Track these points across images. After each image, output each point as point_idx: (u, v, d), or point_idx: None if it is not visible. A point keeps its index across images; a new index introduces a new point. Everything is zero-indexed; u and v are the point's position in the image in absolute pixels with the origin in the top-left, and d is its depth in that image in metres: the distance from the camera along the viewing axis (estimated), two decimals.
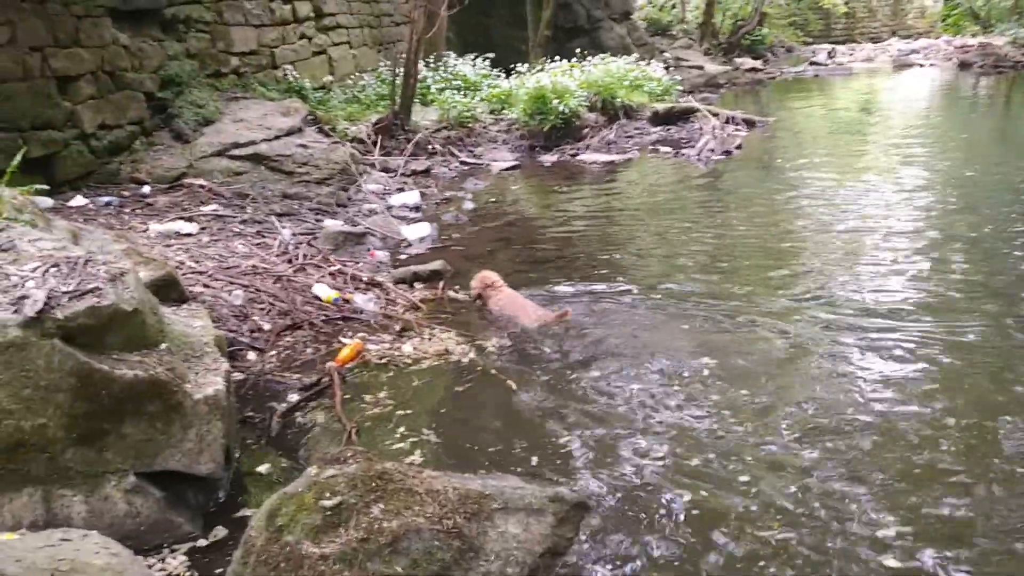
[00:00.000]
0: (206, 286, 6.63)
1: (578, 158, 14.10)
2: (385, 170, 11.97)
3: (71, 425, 3.56)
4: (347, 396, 5.24)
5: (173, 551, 3.73)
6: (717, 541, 3.71)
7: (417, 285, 7.40)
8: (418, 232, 9.11)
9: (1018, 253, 7.59)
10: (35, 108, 8.66)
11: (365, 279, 7.34)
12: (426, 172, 12.55)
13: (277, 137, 10.72)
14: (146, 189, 9.52)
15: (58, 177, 8.93)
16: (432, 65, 16.63)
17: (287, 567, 3.07)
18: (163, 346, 4.06)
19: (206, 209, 9.01)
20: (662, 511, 3.95)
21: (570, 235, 9.09)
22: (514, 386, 5.30)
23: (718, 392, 5.12)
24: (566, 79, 15.33)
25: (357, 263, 7.85)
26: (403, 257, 8.45)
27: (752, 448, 4.46)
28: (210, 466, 3.91)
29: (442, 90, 15.91)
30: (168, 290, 5.01)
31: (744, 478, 4.19)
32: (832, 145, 15.01)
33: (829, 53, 36.98)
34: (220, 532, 3.87)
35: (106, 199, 8.90)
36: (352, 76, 16.28)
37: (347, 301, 6.78)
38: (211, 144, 10.46)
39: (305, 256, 7.75)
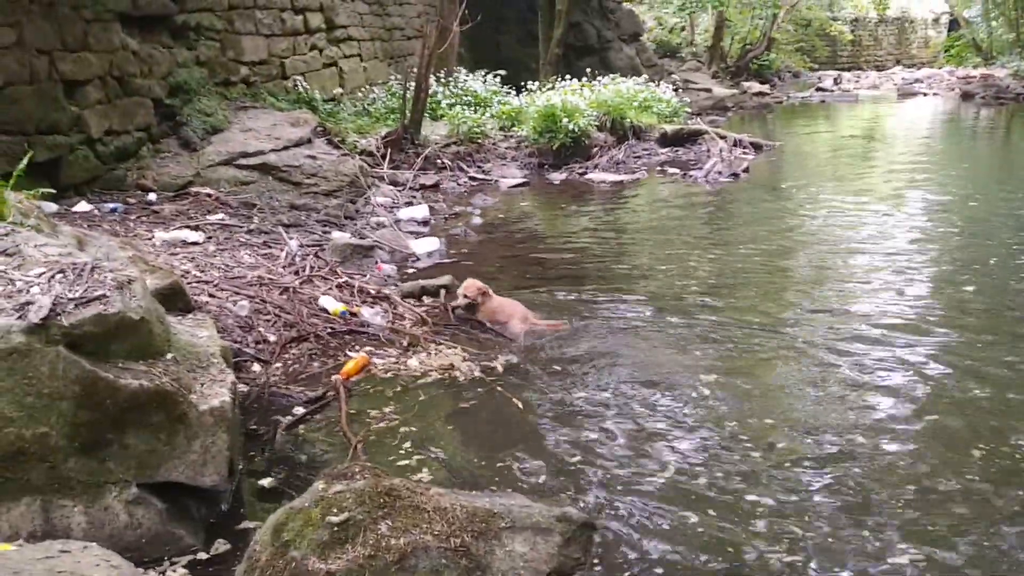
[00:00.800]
0: (211, 296, 6.56)
1: (586, 177, 14.09)
2: (394, 184, 11.93)
3: (73, 434, 3.48)
4: (352, 410, 5.17)
5: (174, 564, 3.65)
6: (724, 562, 3.68)
7: (426, 299, 7.33)
8: (426, 246, 9.05)
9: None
10: (41, 112, 8.60)
11: (372, 292, 7.28)
12: (435, 187, 12.52)
13: (286, 148, 10.69)
14: (152, 196, 9.48)
15: (63, 182, 8.87)
16: (443, 80, 16.63)
17: None
18: (169, 356, 3.99)
19: (212, 218, 8.96)
20: (669, 532, 3.91)
21: (578, 253, 9.04)
22: (520, 404, 5.26)
23: (725, 411, 5.12)
24: (576, 98, 15.35)
25: (364, 276, 7.78)
26: (411, 271, 8.39)
27: (760, 468, 4.45)
28: (214, 478, 3.83)
29: (452, 105, 15.90)
30: (174, 299, 4.95)
31: (752, 498, 4.17)
32: (837, 170, 15.02)
33: (835, 80, 37.26)
34: (222, 546, 3.79)
35: (111, 205, 8.85)
36: (362, 89, 16.29)
37: (354, 314, 6.71)
38: (219, 153, 10.42)
39: (312, 268, 7.69)
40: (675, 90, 20.01)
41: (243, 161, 10.35)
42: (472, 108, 16.00)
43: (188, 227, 8.42)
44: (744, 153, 15.54)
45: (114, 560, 3.19)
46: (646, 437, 4.82)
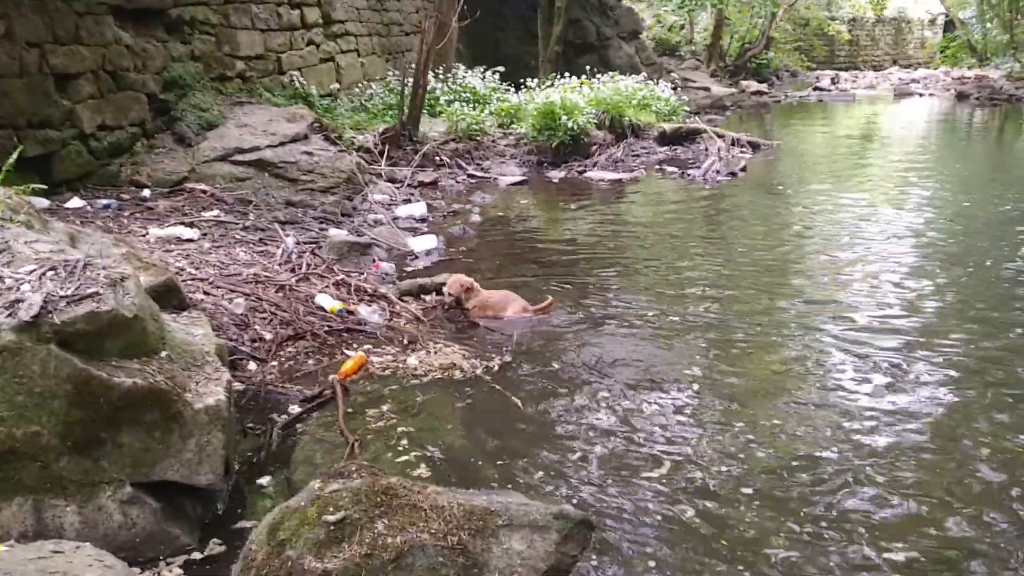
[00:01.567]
0: (207, 293, 6.51)
1: (585, 175, 14.06)
2: (391, 180, 11.88)
3: (66, 433, 3.44)
4: (350, 409, 5.13)
5: (169, 564, 3.61)
6: (721, 560, 3.69)
7: (424, 298, 7.29)
8: (424, 244, 9.00)
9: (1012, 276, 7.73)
10: (32, 106, 8.52)
11: (370, 290, 7.22)
12: (433, 184, 12.47)
13: (282, 144, 10.63)
14: (146, 192, 9.41)
15: (56, 177, 8.81)
16: (441, 76, 16.60)
17: None
18: (163, 354, 3.93)
19: (207, 215, 8.90)
20: (666, 529, 3.93)
21: (577, 251, 9.01)
22: (519, 402, 5.23)
23: (722, 409, 5.15)
24: (575, 96, 15.32)
25: (362, 274, 7.72)
26: (409, 269, 8.35)
27: (758, 465, 4.46)
28: (209, 477, 3.78)
29: (451, 102, 15.87)
30: (168, 297, 4.89)
31: (750, 494, 4.19)
32: (834, 169, 15.01)
33: (832, 79, 37.35)
34: (217, 545, 3.75)
35: (104, 202, 8.78)
36: (360, 84, 16.25)
37: (351, 312, 6.66)
38: (214, 148, 10.35)
39: (308, 265, 7.63)
40: (674, 88, 20.00)
41: (239, 157, 10.28)
42: (471, 105, 15.98)
43: (183, 224, 8.35)
44: (742, 152, 15.55)
45: (107, 560, 3.15)
46: (644, 434, 4.83)
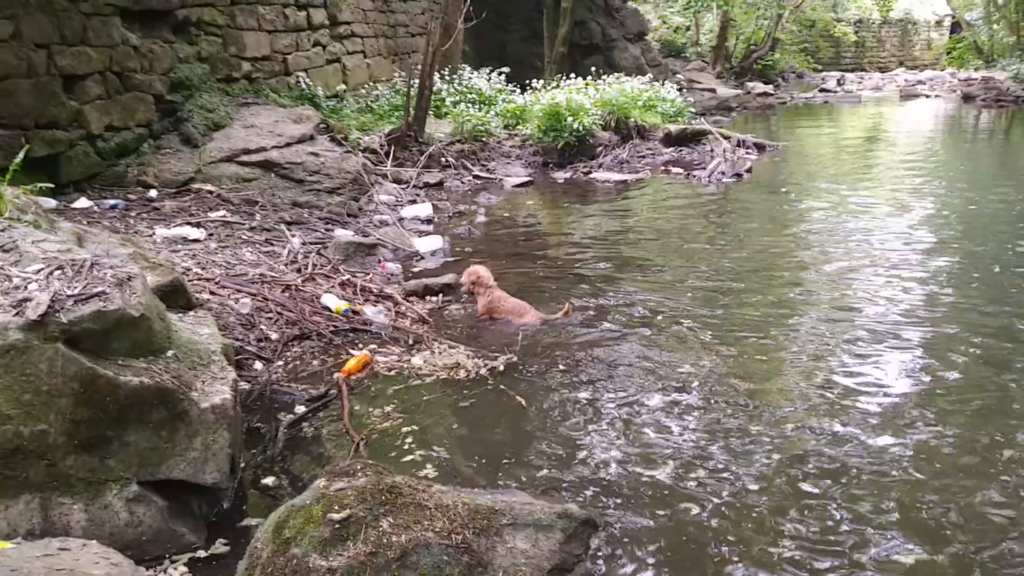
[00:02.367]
0: (213, 293, 6.53)
1: (591, 176, 14.06)
2: (397, 181, 11.90)
3: (73, 431, 3.45)
4: (355, 408, 5.15)
5: (175, 562, 3.62)
6: (726, 559, 3.69)
7: (429, 298, 7.30)
8: (430, 245, 9.01)
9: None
10: (40, 106, 8.55)
11: (375, 291, 7.24)
12: (439, 185, 12.48)
13: (288, 144, 10.64)
14: (153, 193, 9.43)
15: (62, 178, 8.84)
16: (447, 78, 16.62)
17: None
18: (170, 353, 3.95)
19: (214, 215, 8.92)
20: (671, 529, 3.93)
21: (582, 252, 9.00)
22: (523, 402, 5.24)
23: (727, 409, 5.14)
24: (581, 97, 15.31)
25: (367, 274, 7.75)
26: (415, 270, 8.37)
27: (762, 465, 4.46)
28: (215, 476, 3.79)
29: (456, 103, 15.88)
30: (175, 296, 4.90)
31: (754, 495, 4.19)
32: (840, 171, 15.00)
33: (838, 80, 37.29)
34: (223, 543, 3.77)
35: (111, 202, 8.80)
36: (366, 86, 16.27)
37: (357, 312, 6.67)
38: (220, 149, 10.37)
39: (314, 266, 7.65)
40: (679, 90, 19.98)
41: (245, 158, 10.30)
42: (476, 106, 15.99)
43: (189, 224, 8.38)
44: (747, 153, 15.52)
45: (114, 558, 3.16)
46: (648, 435, 4.84)
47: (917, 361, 5.84)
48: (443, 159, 13.59)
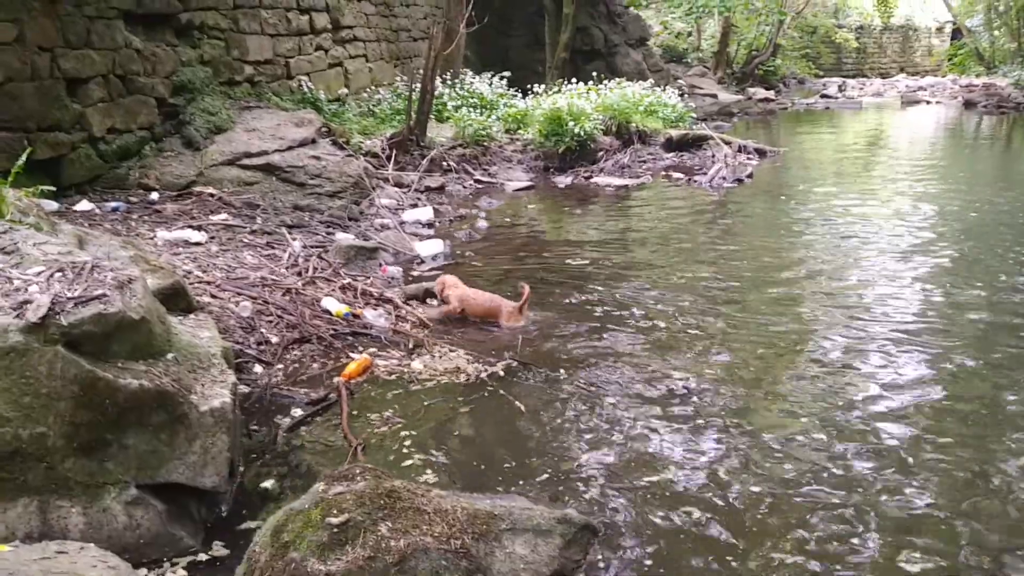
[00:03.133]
0: (213, 296, 6.53)
1: (592, 181, 14.06)
2: (399, 185, 11.90)
3: (72, 434, 3.44)
4: (354, 412, 5.15)
5: (173, 565, 3.61)
6: (727, 566, 3.69)
7: (430, 301, 7.31)
8: (431, 249, 9.01)
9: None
10: (43, 109, 8.56)
11: (376, 294, 7.24)
12: (440, 189, 12.48)
13: (290, 148, 10.65)
14: (154, 196, 9.44)
15: (64, 180, 8.84)
16: (449, 82, 16.63)
17: None
18: (170, 356, 3.95)
19: (215, 218, 8.93)
20: (671, 534, 3.92)
21: (583, 257, 9.00)
22: (522, 406, 5.24)
23: (729, 414, 5.14)
24: (582, 102, 15.32)
25: (368, 278, 7.75)
26: (415, 274, 8.36)
27: (763, 469, 4.46)
28: (214, 479, 3.79)
29: (458, 107, 15.89)
30: (175, 299, 4.90)
31: (755, 499, 4.19)
32: (841, 177, 15.03)
33: (840, 86, 37.37)
34: (221, 547, 3.76)
35: (113, 204, 8.81)
36: (368, 90, 16.28)
37: (357, 316, 6.67)
38: (222, 152, 10.39)
39: (315, 269, 7.66)
40: (681, 95, 19.98)
41: (247, 161, 10.31)
42: (478, 111, 16.00)
43: (191, 227, 8.39)
44: (748, 159, 15.54)
45: (111, 561, 3.16)
46: (648, 439, 4.83)
47: (920, 366, 5.84)
48: (444, 163, 13.59)
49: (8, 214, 4.33)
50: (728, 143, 16.19)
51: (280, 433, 4.84)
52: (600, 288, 7.77)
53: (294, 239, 8.56)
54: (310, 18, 14.34)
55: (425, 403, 5.33)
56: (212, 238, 8.24)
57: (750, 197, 12.76)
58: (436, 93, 14.74)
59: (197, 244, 7.94)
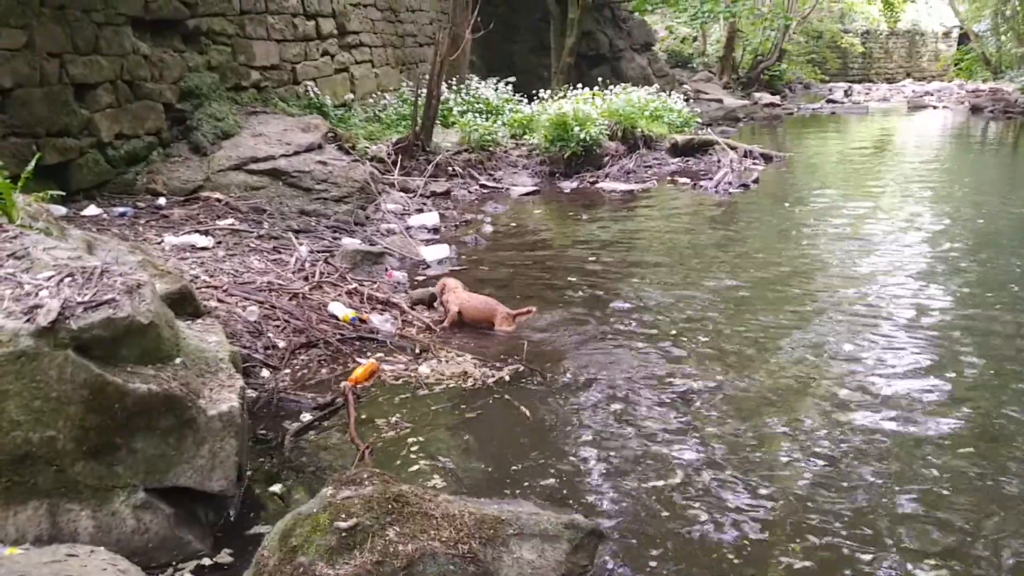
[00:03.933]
0: (220, 301, 6.55)
1: (597, 186, 14.08)
2: (404, 190, 11.92)
3: (81, 438, 3.46)
4: (362, 416, 5.16)
5: (181, 569, 3.63)
6: (734, 569, 3.69)
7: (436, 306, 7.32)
8: (437, 253, 9.03)
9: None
10: (51, 115, 8.59)
11: (382, 299, 7.26)
12: (446, 194, 12.49)
13: (296, 153, 10.68)
14: (162, 201, 9.47)
15: (72, 185, 8.87)
16: (455, 88, 16.66)
17: None
18: (178, 360, 3.96)
19: (222, 223, 8.95)
20: (679, 540, 3.92)
21: (589, 262, 9.00)
22: (528, 412, 5.24)
23: (734, 420, 5.14)
24: (588, 107, 15.34)
25: (374, 283, 7.76)
26: (421, 278, 8.37)
27: (772, 477, 4.45)
28: (222, 483, 3.80)
29: (464, 113, 15.92)
30: (183, 304, 4.92)
31: (763, 506, 4.17)
32: (847, 182, 15.02)
33: (846, 91, 37.36)
34: (229, 551, 3.77)
35: (120, 209, 8.84)
36: (374, 95, 16.32)
37: (364, 321, 6.69)
38: (229, 158, 10.41)
39: (322, 274, 7.68)
40: (686, 100, 20.03)
41: (253, 166, 10.34)
42: (484, 116, 16.03)
43: (198, 232, 8.41)
44: (754, 164, 15.55)
45: (121, 564, 3.17)
46: (654, 444, 4.83)
47: (929, 375, 5.82)
48: (450, 168, 13.61)
49: (18, 219, 4.35)
50: (734, 148, 16.20)
51: (288, 437, 4.84)
52: (606, 293, 7.78)
53: (301, 244, 8.59)
54: (316, 24, 14.38)
55: (432, 408, 5.34)
56: (219, 243, 8.26)
57: (756, 202, 12.75)
58: (442, 98, 14.77)
59: (204, 249, 7.96)
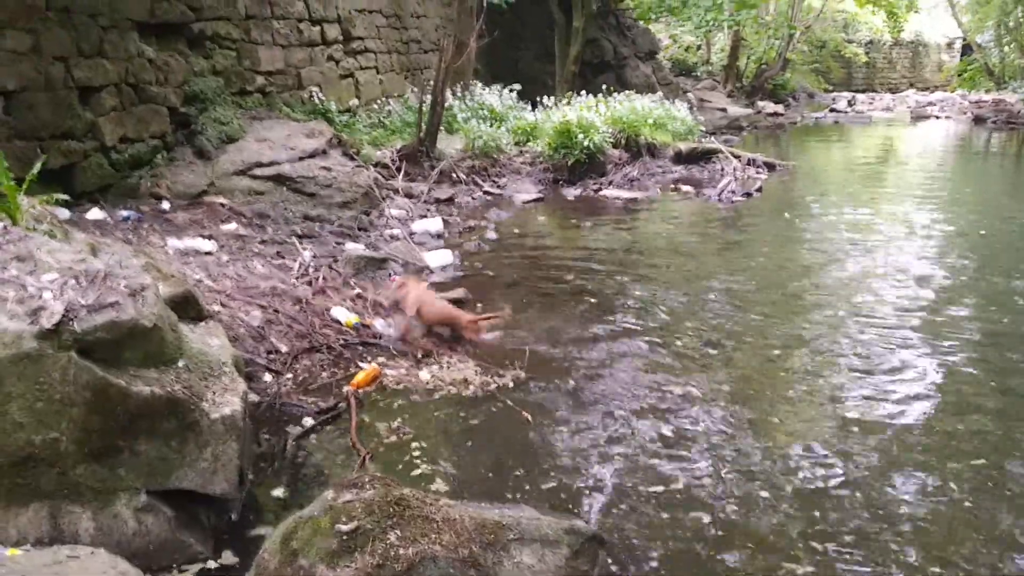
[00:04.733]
0: (223, 305, 6.56)
1: (601, 193, 14.08)
2: (408, 196, 11.93)
3: (84, 440, 3.47)
4: (366, 418, 5.19)
5: (183, 572, 3.64)
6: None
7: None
8: (440, 259, 9.04)
9: None
10: (56, 118, 8.59)
11: (385, 304, 7.26)
12: (449, 200, 12.51)
13: (301, 158, 10.68)
14: (165, 205, 9.47)
15: (76, 189, 8.86)
16: (459, 94, 16.69)
17: None
18: (181, 363, 3.98)
19: (226, 228, 8.96)
20: (680, 547, 3.93)
21: (592, 270, 9.00)
22: (529, 417, 5.26)
23: (735, 428, 5.15)
24: (592, 114, 15.35)
25: (377, 288, 7.77)
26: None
27: (774, 486, 4.45)
28: (224, 486, 3.81)
29: (468, 119, 15.94)
30: (186, 307, 4.93)
31: (765, 515, 4.18)
32: (850, 192, 15.02)
33: (849, 101, 37.37)
34: (231, 554, 3.79)
35: (125, 213, 8.84)
36: (378, 101, 16.33)
37: (367, 326, 6.70)
38: (233, 162, 10.41)
39: (325, 279, 7.68)
40: (690, 108, 20.02)
41: (258, 171, 10.34)
42: (488, 123, 16.04)
43: (201, 236, 8.41)
44: (758, 173, 15.54)
45: (121, 566, 3.18)
46: (656, 451, 4.85)
47: (930, 384, 5.83)
48: (454, 175, 13.63)
49: (23, 222, 4.36)
50: (737, 157, 16.21)
51: (290, 441, 4.86)
52: (608, 299, 7.79)
53: (304, 249, 8.60)
54: (321, 29, 14.40)
55: (434, 413, 5.36)
56: (223, 247, 8.27)
57: (759, 211, 12.74)
58: (446, 105, 14.79)
59: (208, 253, 7.97)
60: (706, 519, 4.11)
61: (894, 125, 29.62)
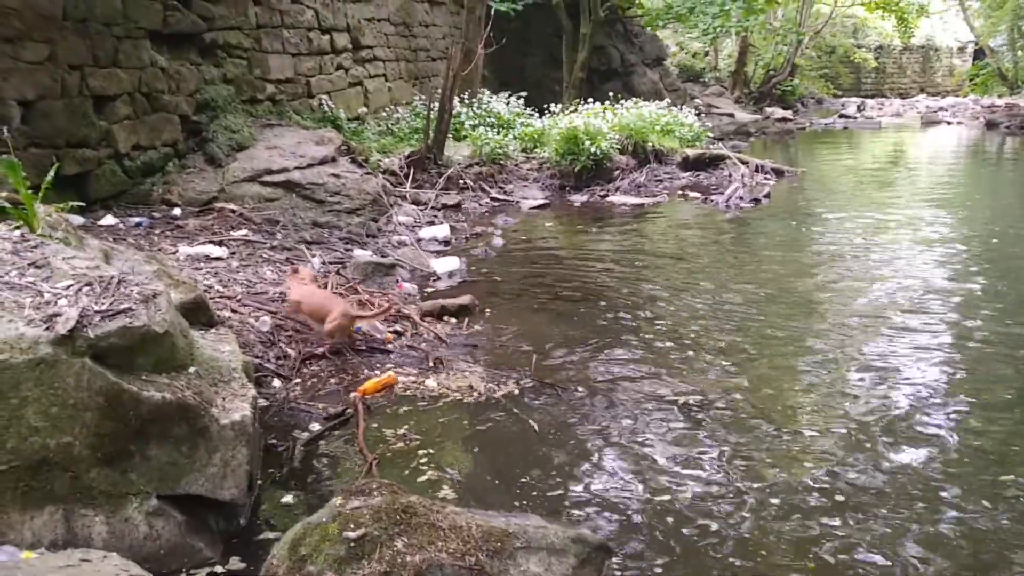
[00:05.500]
0: (234, 311, 6.63)
1: (608, 199, 14.11)
2: (416, 203, 11.99)
3: (97, 445, 3.53)
4: (375, 424, 5.22)
5: None
6: None
7: (446, 319, 7.37)
8: (447, 266, 9.09)
9: None
10: (71, 126, 8.69)
11: (393, 311, 7.31)
12: (457, 207, 12.56)
13: (310, 165, 10.76)
14: (177, 211, 9.55)
15: (90, 195, 8.95)
16: (467, 101, 16.74)
17: None
18: (192, 369, 4.04)
19: (236, 234, 9.04)
20: (686, 556, 3.90)
21: (598, 276, 9.04)
22: (536, 425, 5.27)
23: (742, 435, 5.13)
24: (599, 121, 15.39)
25: (385, 294, 7.83)
26: (431, 290, 8.43)
27: (783, 495, 4.43)
28: (233, 492, 3.86)
29: (475, 126, 16.00)
30: (197, 313, 4.99)
31: (773, 524, 4.15)
32: (860, 198, 14.99)
33: (858, 106, 37.29)
34: (239, 559, 3.81)
35: (136, 219, 8.92)
36: (387, 109, 16.41)
37: (390, 339, 6.75)
38: (243, 169, 10.49)
39: (334, 285, 7.74)
40: (698, 114, 20.03)
41: (267, 178, 10.42)
42: (495, 129, 16.10)
43: (212, 242, 8.49)
44: (766, 179, 15.55)
45: (133, 570, 3.22)
46: (664, 459, 4.84)
47: (938, 392, 5.79)
48: (461, 181, 13.68)
49: (39, 229, 4.43)
50: (745, 163, 16.21)
51: (298, 447, 4.89)
52: (615, 306, 7.81)
53: (313, 255, 8.67)
54: (331, 38, 14.49)
55: (440, 420, 5.38)
56: (233, 253, 8.34)
57: (767, 217, 12.74)
58: (454, 112, 14.85)
59: (218, 259, 8.04)
60: (715, 528, 4.10)
61: (904, 131, 29.51)
